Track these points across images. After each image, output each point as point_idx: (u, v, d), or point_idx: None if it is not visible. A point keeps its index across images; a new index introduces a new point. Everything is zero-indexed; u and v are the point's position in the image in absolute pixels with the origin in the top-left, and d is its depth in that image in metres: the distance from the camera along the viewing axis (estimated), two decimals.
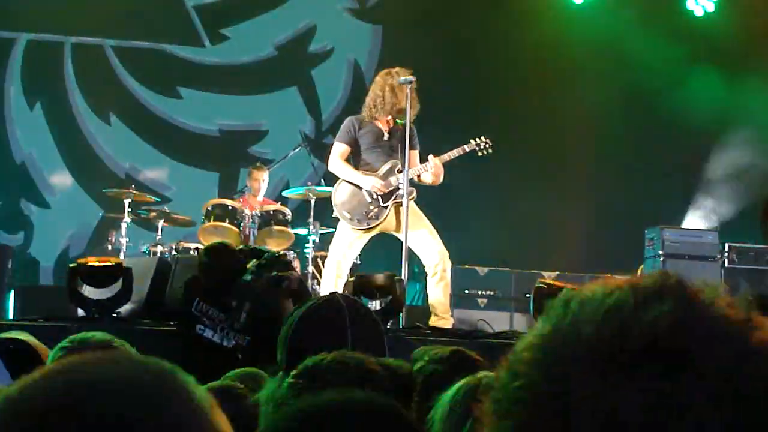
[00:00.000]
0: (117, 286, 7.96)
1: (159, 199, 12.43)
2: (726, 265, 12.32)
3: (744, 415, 1.01)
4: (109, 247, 11.39)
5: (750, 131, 14.10)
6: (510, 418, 1.07)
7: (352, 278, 9.09)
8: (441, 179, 9.63)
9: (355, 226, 9.53)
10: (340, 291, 9.57)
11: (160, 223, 11.46)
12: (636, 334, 1.03)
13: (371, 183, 9.51)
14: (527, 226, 13.37)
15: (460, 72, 13.74)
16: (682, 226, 12.89)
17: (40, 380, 1.11)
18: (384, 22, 14.68)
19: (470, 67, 13.87)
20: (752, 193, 13.65)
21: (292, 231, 11.31)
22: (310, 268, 11.08)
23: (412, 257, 9.41)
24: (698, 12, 14.67)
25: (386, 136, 9.63)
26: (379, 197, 9.51)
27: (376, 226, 9.54)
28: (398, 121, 9.62)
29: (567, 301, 1.10)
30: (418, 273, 9.84)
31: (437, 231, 9.63)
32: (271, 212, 11.29)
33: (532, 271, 11.24)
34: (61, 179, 13.76)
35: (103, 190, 11.93)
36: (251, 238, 10.98)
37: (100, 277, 7.91)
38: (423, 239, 9.42)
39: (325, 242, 10.97)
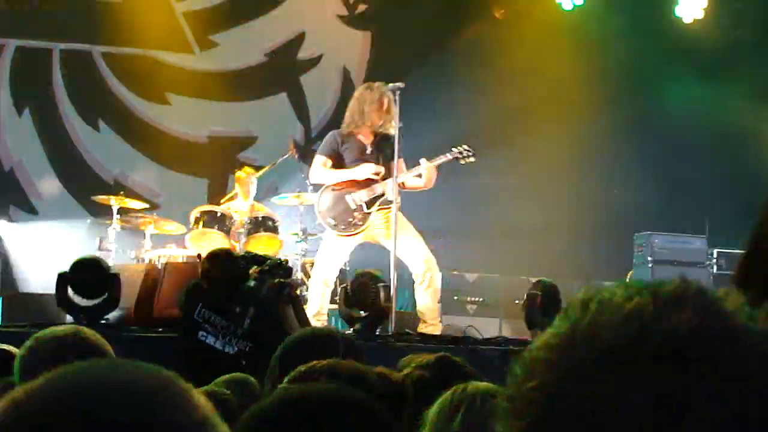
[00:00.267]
0: (105, 293, 7.95)
1: (148, 206, 12.40)
2: (715, 271, 12.35)
3: (761, 425, 1.01)
4: (98, 253, 11.34)
5: (738, 138, 14.12)
6: (524, 418, 1.07)
7: (342, 285, 9.09)
8: (433, 183, 9.63)
9: (340, 233, 9.54)
10: (328, 299, 9.58)
11: (149, 230, 11.44)
12: (655, 340, 1.02)
13: (366, 169, 9.53)
14: (516, 233, 13.36)
15: (449, 78, 13.74)
16: (671, 233, 12.88)
17: (44, 385, 1.11)
18: (373, 28, 14.68)
19: (459, 73, 13.87)
20: (741, 198, 13.67)
21: (280, 237, 11.29)
22: (299, 275, 11.06)
23: (400, 264, 9.41)
24: (687, 19, 14.68)
25: (369, 149, 9.64)
26: (364, 204, 9.52)
27: (361, 231, 9.54)
28: (381, 131, 9.62)
29: (586, 301, 1.09)
30: (407, 279, 9.84)
31: (426, 237, 9.64)
32: (260, 218, 11.28)
33: (521, 277, 11.24)
34: (50, 185, 13.71)
35: (92, 197, 11.90)
36: (240, 244, 10.96)
37: (89, 284, 7.89)
38: (409, 247, 9.42)
39: (313, 249, 10.97)
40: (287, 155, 12.27)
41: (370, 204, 9.52)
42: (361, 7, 14.75)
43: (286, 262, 8.07)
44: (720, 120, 14.10)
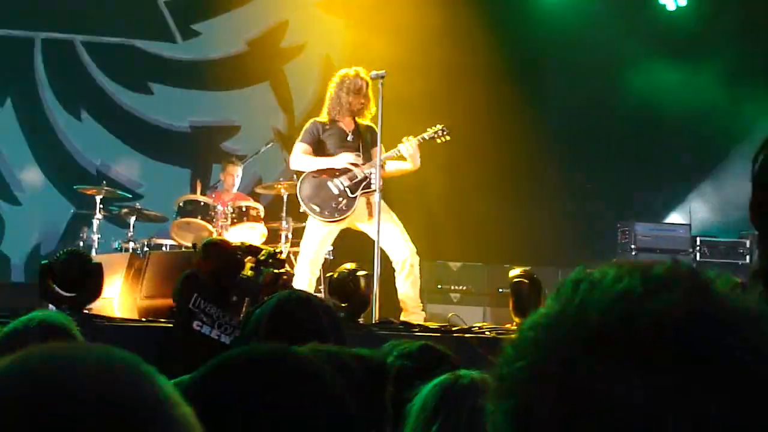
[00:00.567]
0: (88, 283, 7.93)
1: (130, 196, 12.38)
2: (698, 259, 12.39)
3: (751, 407, 1.01)
4: (81, 243, 11.31)
5: (722, 125, 14.15)
6: (512, 397, 1.07)
7: (328, 275, 9.09)
8: (418, 161, 9.62)
9: (325, 219, 9.53)
10: (314, 286, 9.59)
11: (132, 220, 11.41)
12: (643, 322, 1.02)
13: (343, 158, 9.54)
14: (500, 221, 13.37)
15: (431, 67, 13.71)
16: (655, 221, 12.93)
17: (12, 365, 1.10)
18: (356, 17, 14.64)
19: (440, 61, 13.84)
20: (724, 187, 13.72)
21: (264, 227, 11.28)
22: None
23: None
24: (670, 6, 14.70)
25: (350, 136, 9.65)
26: (347, 189, 9.52)
27: (347, 217, 9.54)
28: (360, 120, 9.64)
29: (577, 282, 1.10)
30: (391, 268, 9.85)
31: (409, 226, 9.64)
32: (244, 208, 11.27)
33: (505, 265, 11.26)
34: (32, 176, 13.66)
35: (75, 187, 11.87)
36: (223, 233, 10.94)
37: (71, 274, 7.87)
38: (390, 234, 9.42)
39: (297, 238, 10.96)
40: (270, 144, 12.25)
41: (353, 189, 9.52)
42: None
43: (281, 253, 8.09)
44: (703, 108, 14.12)
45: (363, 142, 9.61)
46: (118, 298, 9.09)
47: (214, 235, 10.74)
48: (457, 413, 2.64)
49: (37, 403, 1.05)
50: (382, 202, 9.46)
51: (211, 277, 7.35)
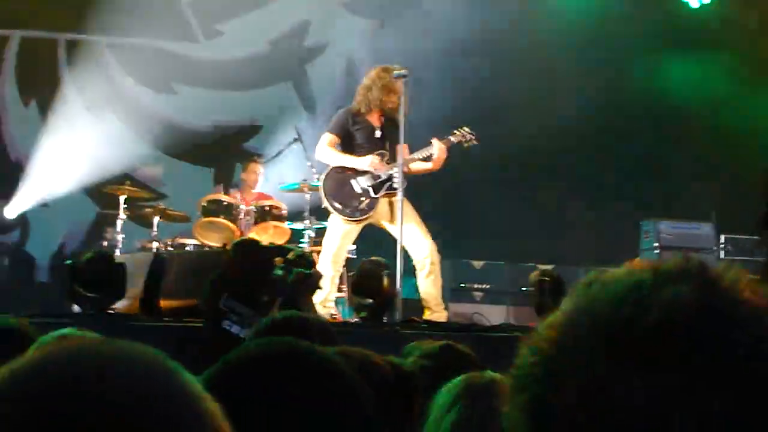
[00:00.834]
0: (112, 283, 7.96)
1: (154, 196, 12.42)
2: (722, 256, 12.34)
3: (754, 404, 1.01)
4: (105, 243, 11.35)
5: (746, 122, 14.09)
6: (525, 393, 1.09)
7: (350, 273, 9.10)
8: (441, 164, 9.63)
9: (346, 218, 9.53)
10: (336, 285, 9.59)
11: (156, 220, 11.44)
12: (652, 313, 1.03)
13: (367, 161, 9.52)
14: (523, 220, 13.35)
15: (453, 66, 13.71)
16: (678, 218, 12.88)
17: (42, 360, 1.11)
18: (378, 16, 14.65)
19: (463, 61, 13.84)
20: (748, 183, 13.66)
21: (287, 226, 11.29)
22: None
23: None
24: (694, 3, 14.64)
25: (378, 132, 9.64)
26: (370, 188, 9.51)
27: (367, 219, 9.54)
28: (388, 117, 9.62)
29: (590, 282, 1.11)
30: (413, 266, 9.84)
31: (432, 225, 9.63)
32: (267, 207, 11.28)
33: (528, 264, 11.24)
34: (57, 177, 13.71)
35: (99, 187, 11.90)
36: (246, 233, 10.96)
37: (96, 275, 7.90)
38: (411, 233, 9.40)
39: (321, 237, 10.97)
40: (293, 144, 12.25)
41: (377, 189, 9.52)
42: None
43: (310, 253, 8.10)
44: (726, 106, 14.07)
45: (390, 139, 9.60)
46: (141, 298, 9.11)
47: (237, 235, 10.77)
48: (473, 408, 2.64)
49: (55, 402, 1.04)
50: (406, 200, 9.47)
51: (242, 276, 7.37)
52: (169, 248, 11.05)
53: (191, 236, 11.31)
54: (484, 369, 3.13)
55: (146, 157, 13.98)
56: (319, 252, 9.98)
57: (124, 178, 12.31)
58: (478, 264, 11.80)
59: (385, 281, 8.52)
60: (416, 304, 9.88)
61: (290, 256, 7.50)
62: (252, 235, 10.79)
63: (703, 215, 12.92)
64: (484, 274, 11.72)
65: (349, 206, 9.55)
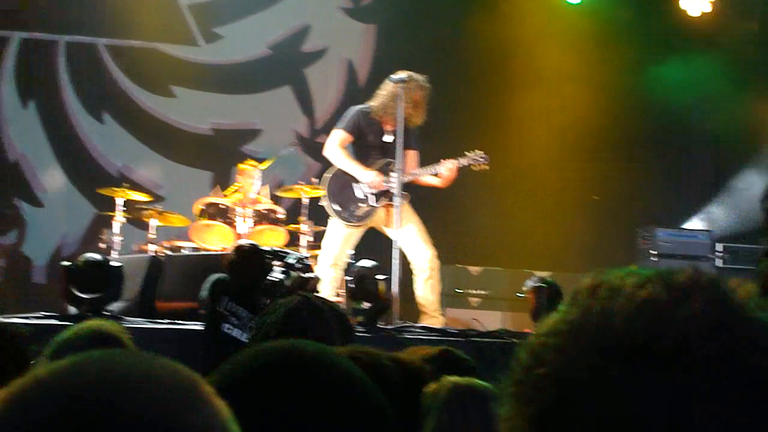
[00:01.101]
0: (108, 285, 7.96)
1: (152, 198, 12.41)
2: (720, 265, 12.34)
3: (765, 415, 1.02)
4: (102, 245, 11.34)
5: (744, 129, 14.10)
6: (533, 404, 1.08)
7: (347, 278, 9.10)
8: (449, 184, 9.63)
9: (343, 221, 9.53)
10: (335, 287, 9.58)
11: (153, 222, 11.43)
12: (669, 331, 1.03)
13: (369, 177, 9.49)
14: (520, 226, 13.36)
15: (453, 72, 13.72)
16: (675, 226, 12.89)
17: (69, 367, 1.09)
18: (378, 21, 14.67)
19: (463, 66, 13.86)
20: (745, 192, 13.68)
21: (285, 229, 11.29)
22: None
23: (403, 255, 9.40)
24: (694, 12, 14.63)
25: (389, 137, 9.55)
26: (371, 196, 9.50)
27: (363, 226, 9.54)
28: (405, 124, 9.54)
29: (594, 288, 1.10)
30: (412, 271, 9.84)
31: (429, 230, 9.63)
32: (264, 210, 11.29)
33: (525, 270, 11.24)
34: (54, 178, 13.73)
35: (96, 189, 11.91)
36: (243, 236, 10.95)
37: (92, 278, 7.90)
38: (411, 238, 9.41)
39: (318, 241, 10.97)
40: (291, 148, 12.26)
41: (377, 197, 9.51)
42: (366, 0, 14.74)
43: (309, 257, 8.11)
44: (725, 113, 14.08)
45: (402, 146, 9.57)
46: (138, 300, 9.11)
47: (234, 238, 10.77)
48: (451, 414, 2.64)
49: (78, 421, 1.03)
50: (408, 205, 9.47)
51: (241, 280, 7.38)
52: (166, 251, 11.04)
53: (188, 239, 11.31)
54: (480, 375, 3.14)
55: (144, 160, 13.97)
56: (316, 256, 9.99)
57: (121, 180, 12.30)
58: (475, 270, 11.80)
59: (382, 286, 8.52)
60: (413, 309, 9.89)
61: (288, 259, 7.52)
62: (249, 238, 10.80)
63: (699, 223, 12.93)
64: (481, 280, 11.72)
65: (347, 210, 9.55)
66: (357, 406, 1.62)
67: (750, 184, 13.90)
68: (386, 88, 9.65)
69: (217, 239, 11.00)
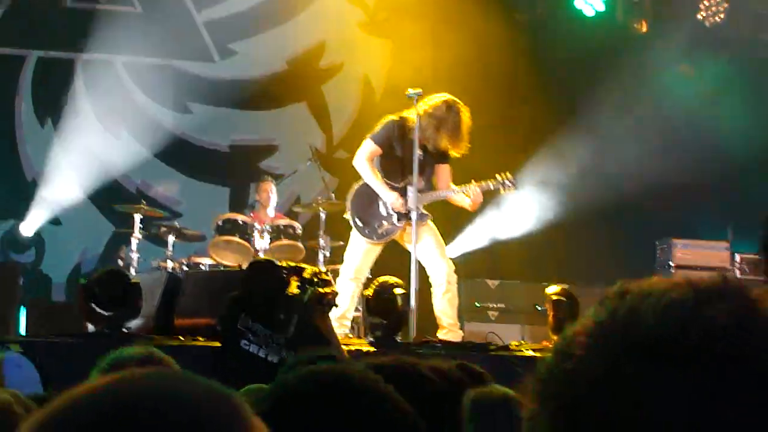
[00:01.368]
0: (126, 302, 7.98)
1: (170, 215, 12.45)
2: (738, 276, 12.30)
3: None
4: (120, 262, 11.37)
5: (760, 141, 14.07)
6: (558, 399, 1.09)
7: (365, 292, 9.09)
8: (477, 207, 9.63)
9: (363, 236, 9.52)
10: (356, 301, 9.57)
11: (171, 239, 11.45)
12: (696, 330, 1.04)
13: (391, 199, 9.45)
14: (537, 239, 13.33)
15: (469, 86, 13.71)
16: (693, 237, 12.85)
17: (105, 387, 1.11)
18: (393, 37, 14.68)
19: (480, 80, 13.84)
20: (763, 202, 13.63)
21: (302, 245, 11.30)
22: None
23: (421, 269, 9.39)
24: (708, 23, 14.63)
25: (421, 155, 9.47)
26: (395, 214, 9.48)
27: (383, 243, 9.54)
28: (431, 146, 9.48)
29: (623, 292, 1.12)
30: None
31: (447, 243, 9.63)
32: (282, 226, 11.30)
33: (543, 283, 11.22)
34: (72, 196, 13.76)
35: (114, 206, 11.94)
36: (261, 252, 10.97)
37: (110, 294, 7.92)
38: (430, 251, 9.39)
39: (335, 256, 10.97)
40: (308, 163, 12.27)
41: (400, 217, 9.48)
42: (382, 15, 14.76)
43: (326, 272, 8.11)
44: (741, 123, 14.05)
45: (429, 162, 9.54)
46: (155, 316, 9.12)
47: (252, 254, 10.79)
48: (483, 424, 2.64)
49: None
50: (430, 221, 9.47)
51: (258, 296, 7.38)
52: (184, 267, 11.06)
53: (206, 255, 11.32)
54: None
55: (162, 176, 14.01)
56: (333, 271, 9.98)
57: (139, 197, 12.34)
58: (493, 283, 11.78)
59: (399, 301, 8.52)
60: (430, 324, 9.87)
61: (305, 274, 7.52)
62: (266, 254, 10.81)
63: (718, 234, 12.90)
64: (499, 293, 11.70)
65: (369, 226, 9.54)
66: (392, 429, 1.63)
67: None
68: (431, 110, 9.50)
69: (234, 255, 11.01)
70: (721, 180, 14.18)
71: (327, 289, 7.64)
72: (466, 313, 10.99)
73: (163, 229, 11.58)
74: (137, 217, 11.31)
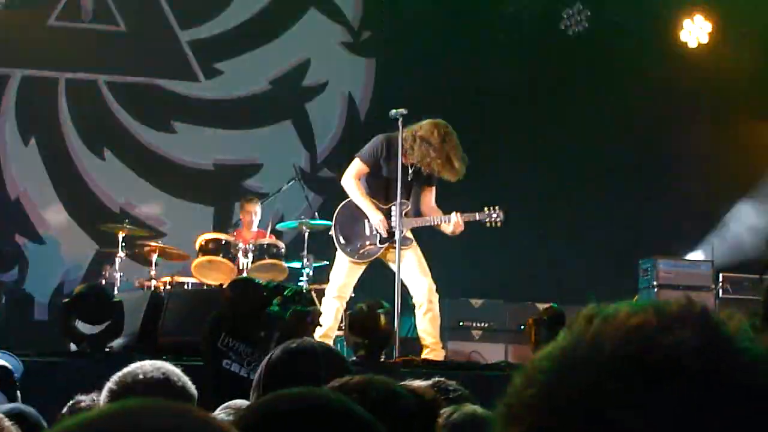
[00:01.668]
0: (109, 321, 7.96)
1: (153, 234, 12.43)
2: (720, 295, 12.33)
3: None
4: (104, 281, 11.35)
5: (745, 159, 14.13)
6: (521, 424, 1.08)
7: (348, 312, 9.10)
8: (457, 234, 9.62)
9: (345, 254, 9.52)
10: (339, 319, 9.56)
11: (155, 258, 11.45)
12: (657, 355, 1.04)
13: (376, 220, 9.46)
14: (521, 258, 13.34)
15: (452, 105, 13.75)
16: (676, 257, 12.89)
17: (98, 421, 1.12)
18: (377, 55, 14.72)
19: (463, 100, 13.87)
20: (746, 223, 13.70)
21: (285, 264, 11.29)
22: None
23: (404, 288, 9.40)
24: (693, 43, 14.72)
25: (410, 175, 9.46)
26: (378, 235, 9.48)
27: (365, 264, 9.54)
28: (423, 168, 9.47)
29: (590, 317, 1.12)
30: (412, 305, 9.84)
31: (431, 263, 9.63)
32: (265, 245, 11.29)
33: (526, 303, 11.23)
34: (56, 215, 13.75)
35: (98, 226, 11.93)
36: (244, 271, 10.96)
37: (93, 311, 7.90)
38: (411, 270, 9.40)
39: (318, 275, 10.97)
40: (291, 182, 12.27)
41: (383, 240, 9.49)
42: (366, 34, 14.79)
43: (309, 291, 8.10)
44: (725, 143, 14.12)
45: (415, 185, 9.53)
46: (139, 335, 9.10)
47: (235, 273, 10.78)
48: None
49: None
50: (413, 240, 9.48)
51: (239, 315, 7.37)
52: (168, 286, 11.04)
53: (190, 274, 11.31)
54: (475, 405, 3.14)
55: (145, 196, 13.99)
56: (316, 290, 9.97)
57: (123, 217, 12.33)
58: (476, 302, 11.79)
59: (382, 320, 8.52)
60: (413, 344, 9.87)
61: (287, 293, 7.51)
62: (249, 273, 10.80)
63: (700, 253, 12.94)
64: (483, 313, 11.71)
65: (351, 244, 9.55)
66: None
67: (748, 213, 13.93)
68: (420, 133, 9.47)
69: (218, 275, 11.01)
70: (704, 197, 14.24)
71: (310, 308, 7.63)
72: (449, 332, 11.00)
73: (147, 248, 11.58)
74: (121, 236, 11.30)
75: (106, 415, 1.13)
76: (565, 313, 9.19)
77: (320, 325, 8.13)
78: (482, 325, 11.63)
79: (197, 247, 11.21)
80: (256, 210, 11.94)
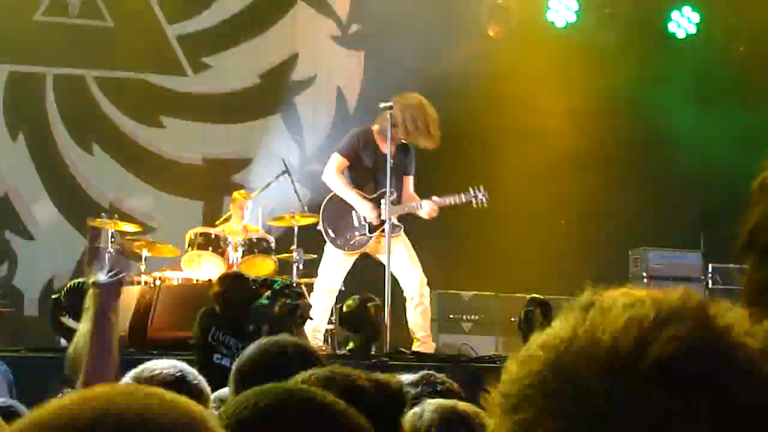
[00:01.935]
0: None
1: (142, 229, 12.40)
2: (710, 286, 12.35)
3: None
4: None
5: (734, 152, 14.14)
6: (517, 414, 1.08)
7: (338, 306, 9.10)
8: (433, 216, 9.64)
9: (336, 247, 9.53)
10: (329, 313, 9.58)
11: (144, 253, 11.42)
12: (652, 350, 1.04)
13: (365, 210, 9.48)
14: (511, 250, 13.34)
15: (442, 98, 13.73)
16: (666, 248, 12.90)
17: (68, 407, 1.13)
18: (365, 48, 14.70)
19: (451, 91, 13.85)
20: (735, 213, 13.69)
21: (275, 258, 11.28)
22: None
23: (395, 281, 9.40)
24: (680, 34, 14.74)
25: (389, 162, 9.49)
26: (367, 225, 9.49)
27: (356, 254, 9.54)
28: (399, 147, 9.54)
29: (587, 306, 1.12)
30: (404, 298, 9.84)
31: (422, 256, 9.64)
32: (255, 239, 11.28)
33: (517, 294, 11.23)
34: (45, 210, 13.71)
35: (87, 221, 11.91)
36: (234, 266, 10.94)
37: (81, 305, 7.87)
38: (402, 263, 9.41)
39: (308, 269, 10.96)
40: (281, 176, 12.24)
41: (372, 228, 9.50)
42: (354, 27, 14.78)
43: (298, 284, 8.11)
44: (714, 135, 14.13)
45: (398, 169, 9.56)
46: (129, 330, 9.10)
47: (225, 268, 10.76)
48: None
49: None
50: (402, 232, 9.49)
51: (227, 309, 7.37)
52: (158, 281, 11.02)
53: (179, 269, 11.29)
54: (464, 398, 3.14)
55: (134, 191, 13.96)
56: (306, 284, 9.98)
57: (112, 212, 12.30)
58: (467, 295, 11.79)
59: (373, 313, 8.53)
60: (404, 337, 9.88)
61: (276, 286, 7.51)
62: (239, 267, 10.79)
63: (690, 243, 12.96)
64: (473, 305, 11.71)
65: (342, 237, 9.56)
66: None
67: (738, 204, 13.93)
68: (403, 109, 9.56)
69: (208, 269, 10.98)
70: (694, 187, 14.26)
71: (299, 302, 7.64)
72: (439, 325, 11.00)
73: (136, 243, 11.55)
74: (110, 231, 11.27)
75: (79, 399, 1.13)
76: (555, 305, 9.19)
77: (311, 319, 8.13)
78: (473, 317, 11.63)
79: (187, 241, 11.19)
80: (246, 204, 11.92)
